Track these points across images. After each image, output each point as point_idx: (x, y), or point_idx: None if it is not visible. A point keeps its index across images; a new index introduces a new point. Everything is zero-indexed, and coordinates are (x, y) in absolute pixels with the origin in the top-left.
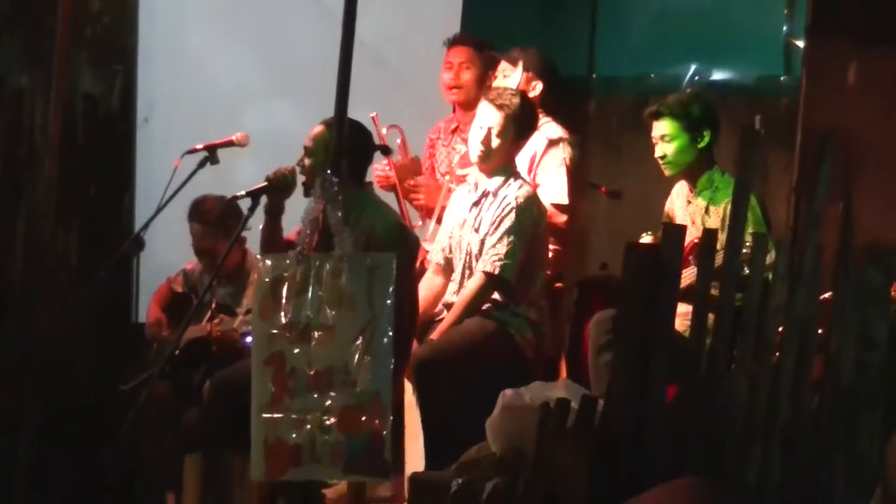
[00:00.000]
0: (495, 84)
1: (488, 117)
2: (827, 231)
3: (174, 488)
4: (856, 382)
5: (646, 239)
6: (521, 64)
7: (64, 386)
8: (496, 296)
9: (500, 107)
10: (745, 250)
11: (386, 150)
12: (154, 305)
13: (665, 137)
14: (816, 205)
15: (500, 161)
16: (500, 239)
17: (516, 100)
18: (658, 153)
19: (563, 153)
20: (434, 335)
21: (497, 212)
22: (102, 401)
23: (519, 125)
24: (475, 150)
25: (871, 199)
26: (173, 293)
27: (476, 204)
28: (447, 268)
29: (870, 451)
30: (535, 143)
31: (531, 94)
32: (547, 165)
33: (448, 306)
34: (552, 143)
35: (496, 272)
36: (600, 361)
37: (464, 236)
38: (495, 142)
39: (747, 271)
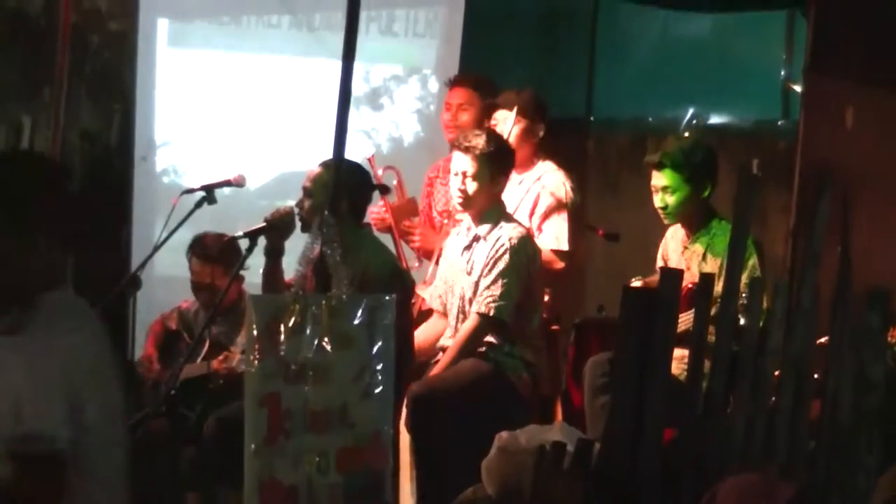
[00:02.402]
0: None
1: (460, 163)
2: (824, 272)
3: None
4: (853, 424)
5: (636, 284)
6: (515, 108)
7: None
8: (491, 338)
9: (466, 150)
10: (741, 301)
11: (384, 190)
12: (147, 343)
13: (667, 189)
14: (814, 246)
15: (483, 203)
16: (495, 280)
17: (482, 139)
18: (658, 203)
19: (565, 198)
20: (432, 372)
21: (490, 253)
22: None
23: (491, 164)
24: (455, 198)
25: (869, 241)
26: (166, 330)
27: (467, 248)
28: (445, 311)
29: (867, 492)
30: (536, 187)
31: (536, 139)
32: (548, 211)
33: (444, 350)
34: (554, 188)
35: (491, 313)
36: (597, 404)
37: (456, 281)
38: (472, 186)
39: (743, 321)
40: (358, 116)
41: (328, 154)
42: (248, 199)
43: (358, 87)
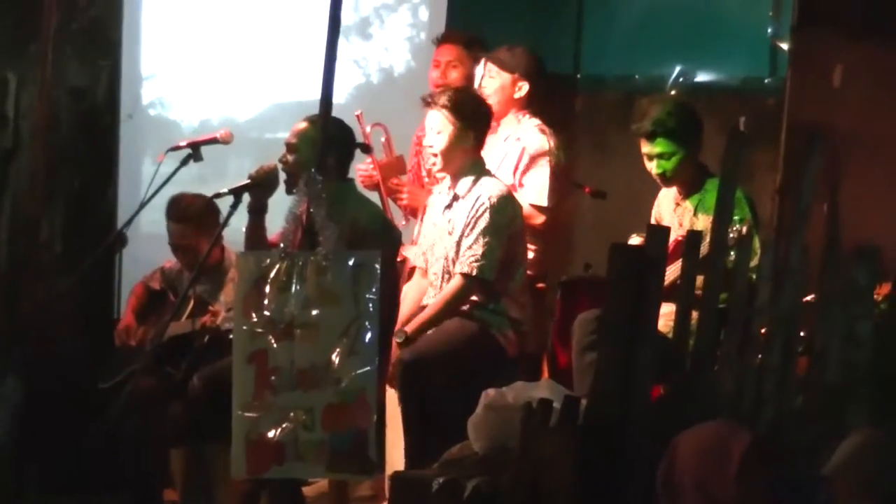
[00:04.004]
0: (484, 84)
1: (432, 121)
2: (812, 230)
3: (165, 483)
4: (841, 381)
5: (634, 241)
6: (482, 61)
7: (45, 378)
8: (475, 297)
9: (441, 107)
10: (731, 235)
11: (366, 149)
12: (127, 310)
13: (663, 156)
14: (802, 204)
15: (459, 160)
16: (477, 239)
17: (448, 96)
18: (656, 170)
19: (548, 154)
20: (408, 328)
21: (471, 212)
22: (83, 396)
23: (461, 120)
24: (429, 158)
25: (857, 198)
26: (149, 291)
27: (448, 207)
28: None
29: None
30: (523, 141)
31: (516, 95)
32: (529, 165)
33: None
34: (538, 144)
35: (474, 273)
36: (584, 361)
37: (438, 240)
38: (445, 142)
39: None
40: (348, 45)
41: (318, 84)
42: (238, 132)
43: (347, 17)
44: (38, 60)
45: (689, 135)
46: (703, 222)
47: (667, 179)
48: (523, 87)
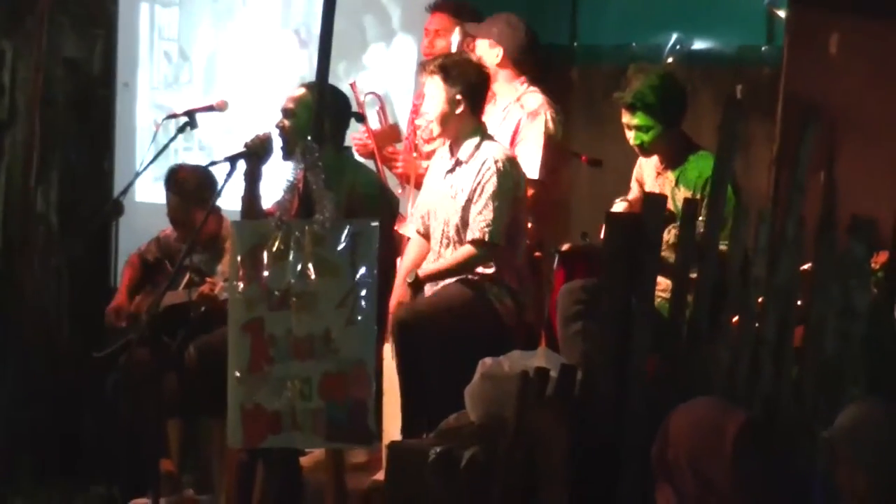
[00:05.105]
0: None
1: (429, 88)
2: (808, 201)
3: (161, 454)
4: (837, 353)
5: (620, 205)
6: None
7: (41, 347)
8: (482, 270)
9: (431, 73)
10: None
11: (360, 118)
12: (121, 287)
13: (641, 128)
14: (799, 175)
15: (456, 126)
16: (486, 204)
17: (440, 62)
18: (634, 141)
19: (543, 126)
20: (420, 272)
21: (477, 177)
22: (78, 365)
23: (455, 85)
24: (429, 124)
25: (854, 169)
26: (144, 262)
27: (450, 172)
28: (427, 234)
29: None
30: (518, 113)
31: (520, 69)
32: (526, 137)
33: None
34: (533, 115)
35: (486, 238)
36: (569, 331)
37: (439, 206)
38: (441, 108)
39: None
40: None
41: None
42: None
43: None
44: (33, 32)
45: (669, 111)
46: (685, 195)
47: (644, 150)
48: (526, 61)
